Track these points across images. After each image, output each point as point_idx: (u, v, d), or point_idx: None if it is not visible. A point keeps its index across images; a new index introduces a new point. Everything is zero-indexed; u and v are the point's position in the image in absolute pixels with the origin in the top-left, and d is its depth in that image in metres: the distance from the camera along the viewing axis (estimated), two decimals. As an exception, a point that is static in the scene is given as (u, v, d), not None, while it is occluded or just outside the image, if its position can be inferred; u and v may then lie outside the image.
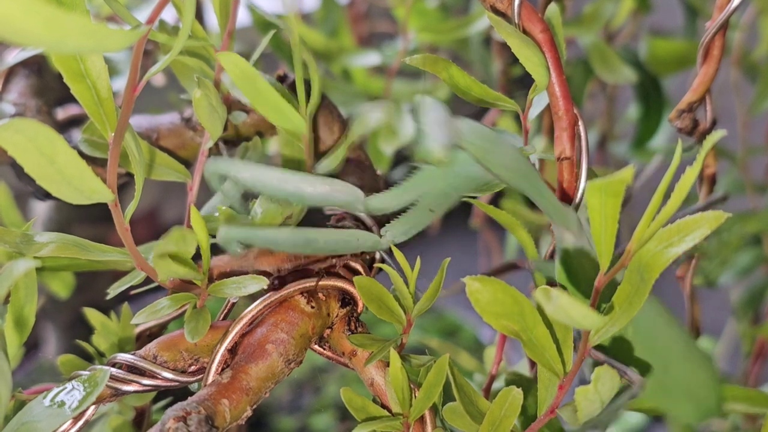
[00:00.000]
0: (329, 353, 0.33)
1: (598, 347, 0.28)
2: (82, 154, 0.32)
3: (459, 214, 0.45)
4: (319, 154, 0.36)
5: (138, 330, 0.37)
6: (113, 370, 0.29)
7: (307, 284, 0.31)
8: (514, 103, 0.33)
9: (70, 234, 0.31)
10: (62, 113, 0.43)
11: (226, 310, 0.34)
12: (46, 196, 0.37)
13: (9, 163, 0.37)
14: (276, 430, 0.87)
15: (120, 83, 0.47)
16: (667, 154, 0.70)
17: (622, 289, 0.27)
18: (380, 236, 0.31)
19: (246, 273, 0.33)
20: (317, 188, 0.26)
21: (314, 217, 0.34)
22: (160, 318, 0.32)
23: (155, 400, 0.38)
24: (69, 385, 0.28)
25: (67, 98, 0.40)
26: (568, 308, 0.24)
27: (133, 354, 0.30)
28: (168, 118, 0.39)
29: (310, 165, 0.33)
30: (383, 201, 0.26)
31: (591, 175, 0.33)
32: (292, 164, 0.33)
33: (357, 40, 0.78)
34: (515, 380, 0.37)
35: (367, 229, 0.35)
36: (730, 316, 0.78)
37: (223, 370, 0.29)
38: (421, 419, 0.31)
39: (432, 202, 0.26)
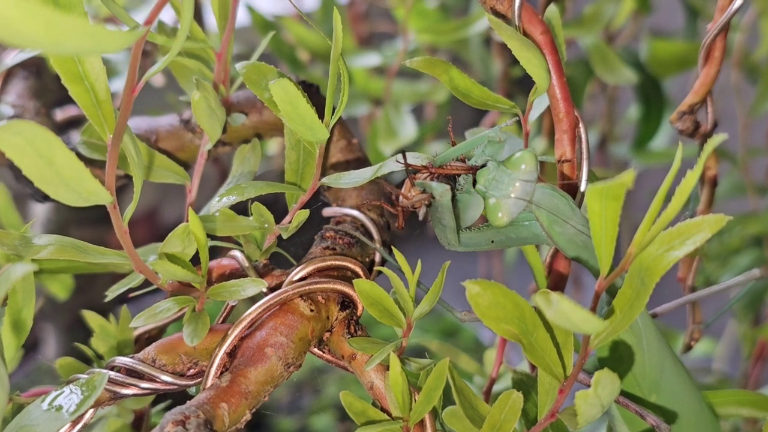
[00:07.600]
0: (329, 356, 0.33)
1: (624, 395, 0.31)
2: (80, 156, 0.32)
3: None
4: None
5: (137, 333, 0.37)
6: (112, 373, 0.29)
7: (306, 287, 0.31)
8: (515, 105, 0.33)
9: (69, 236, 0.30)
10: (61, 114, 0.43)
11: (225, 313, 0.34)
12: (44, 198, 0.37)
13: (7, 164, 0.37)
14: (276, 431, 0.87)
15: (119, 84, 0.47)
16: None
17: (622, 293, 0.27)
18: (384, 239, 0.35)
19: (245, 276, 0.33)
20: None
21: (312, 218, 0.34)
22: (158, 321, 0.32)
23: (154, 404, 0.38)
24: (67, 389, 0.28)
25: (66, 99, 0.40)
26: (569, 313, 0.23)
27: (131, 357, 0.30)
28: (167, 120, 0.39)
29: (319, 171, 0.33)
30: (471, 238, 0.31)
31: (592, 177, 0.33)
32: (297, 168, 0.33)
33: (357, 41, 0.77)
34: (522, 380, 0.36)
35: (369, 233, 0.35)
36: (731, 317, 0.78)
37: (222, 373, 0.29)
38: (421, 423, 0.31)
39: (497, 239, 0.31)
